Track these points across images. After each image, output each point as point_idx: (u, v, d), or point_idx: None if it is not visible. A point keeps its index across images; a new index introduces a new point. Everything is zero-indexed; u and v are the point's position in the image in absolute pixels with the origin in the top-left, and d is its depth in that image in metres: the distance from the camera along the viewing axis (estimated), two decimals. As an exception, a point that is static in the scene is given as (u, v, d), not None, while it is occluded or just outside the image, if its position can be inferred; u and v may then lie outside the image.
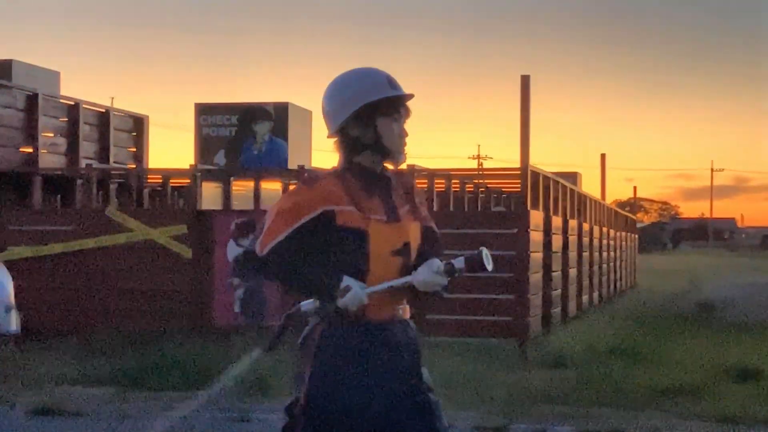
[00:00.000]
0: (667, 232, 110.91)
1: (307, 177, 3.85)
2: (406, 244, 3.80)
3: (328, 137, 3.91)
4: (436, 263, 3.77)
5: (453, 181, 16.25)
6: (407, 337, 3.81)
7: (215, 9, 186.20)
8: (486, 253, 3.79)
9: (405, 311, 3.84)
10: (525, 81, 13.20)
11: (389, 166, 3.89)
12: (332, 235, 3.71)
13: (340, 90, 3.84)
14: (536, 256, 13.79)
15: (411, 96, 3.87)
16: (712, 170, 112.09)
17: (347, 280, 3.66)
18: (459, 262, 3.78)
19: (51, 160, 15.56)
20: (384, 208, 3.78)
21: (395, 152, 3.83)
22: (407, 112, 3.88)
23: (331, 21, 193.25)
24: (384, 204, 3.79)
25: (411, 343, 3.82)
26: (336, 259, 3.71)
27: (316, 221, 3.70)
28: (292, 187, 14.56)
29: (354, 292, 3.64)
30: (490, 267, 3.77)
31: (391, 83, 3.83)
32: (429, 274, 3.75)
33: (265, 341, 3.90)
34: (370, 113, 3.78)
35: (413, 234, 3.85)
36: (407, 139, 3.88)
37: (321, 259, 3.73)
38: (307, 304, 3.79)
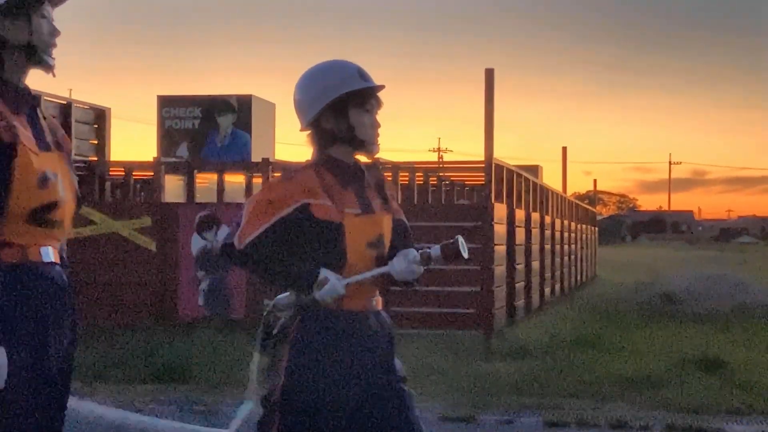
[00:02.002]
0: (626, 224, 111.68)
1: (284, 170, 3.88)
2: (380, 236, 3.84)
3: (300, 130, 3.92)
4: (413, 253, 3.81)
5: (417, 174, 16.29)
6: (381, 328, 3.84)
7: (180, 1, 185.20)
8: (462, 241, 3.83)
9: (378, 302, 3.87)
10: (489, 75, 13.23)
11: (363, 158, 3.92)
12: (309, 227, 3.72)
13: (312, 83, 3.86)
14: (500, 249, 13.86)
15: (382, 87, 3.89)
16: (670, 163, 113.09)
17: (324, 272, 3.68)
18: (435, 251, 3.82)
19: (12, 152, 15.39)
20: (358, 201, 3.80)
21: (368, 143, 3.86)
22: (379, 103, 3.90)
23: (294, 15, 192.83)
24: (358, 197, 3.81)
25: (385, 333, 3.85)
26: (313, 251, 3.73)
27: (293, 214, 3.71)
28: (256, 180, 14.61)
29: (331, 284, 3.67)
30: (466, 255, 3.81)
31: (362, 75, 3.85)
32: (406, 264, 3.78)
33: (257, 344, 3.88)
34: (342, 105, 3.80)
35: (386, 226, 3.88)
36: (380, 130, 3.91)
37: (298, 252, 3.74)
38: (283, 298, 3.80)
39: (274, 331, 3.81)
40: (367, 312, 3.80)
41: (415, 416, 3.81)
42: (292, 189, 3.73)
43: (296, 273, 3.71)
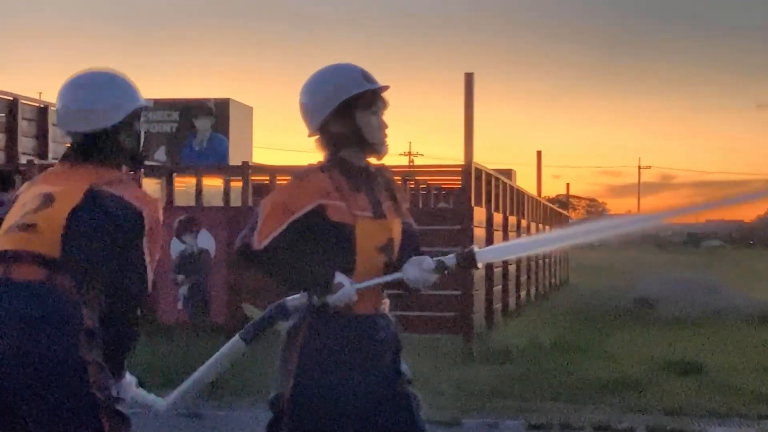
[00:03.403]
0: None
1: (298, 172, 3.88)
2: (390, 240, 3.85)
3: (309, 136, 3.93)
4: (427, 261, 3.82)
5: (395, 177, 16.32)
6: (389, 331, 3.86)
7: (156, 2, 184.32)
8: (477, 250, 3.85)
9: (386, 306, 3.90)
10: (468, 79, 13.29)
11: (372, 160, 3.93)
12: (323, 229, 3.73)
13: (317, 88, 3.87)
14: (479, 252, 13.88)
15: (386, 87, 3.92)
16: (639, 167, 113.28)
17: (339, 277, 3.69)
18: (450, 260, 3.84)
19: (-12, 155, 15.29)
20: (370, 204, 3.82)
21: (377, 144, 3.89)
22: (384, 104, 3.93)
23: (270, 17, 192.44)
24: (370, 200, 3.83)
25: (392, 336, 3.87)
26: (324, 253, 3.74)
27: (309, 215, 3.72)
28: (234, 184, 14.60)
29: (346, 289, 3.68)
30: (480, 265, 3.85)
31: (366, 77, 3.87)
32: (420, 272, 3.80)
33: (246, 331, 3.89)
34: (349, 108, 3.82)
35: (396, 230, 3.89)
36: (387, 131, 3.93)
37: (311, 254, 3.74)
38: (294, 299, 3.80)
39: (283, 338, 3.81)
40: (376, 316, 3.82)
41: (422, 420, 3.84)
42: (307, 190, 3.74)
43: (311, 276, 3.71)
